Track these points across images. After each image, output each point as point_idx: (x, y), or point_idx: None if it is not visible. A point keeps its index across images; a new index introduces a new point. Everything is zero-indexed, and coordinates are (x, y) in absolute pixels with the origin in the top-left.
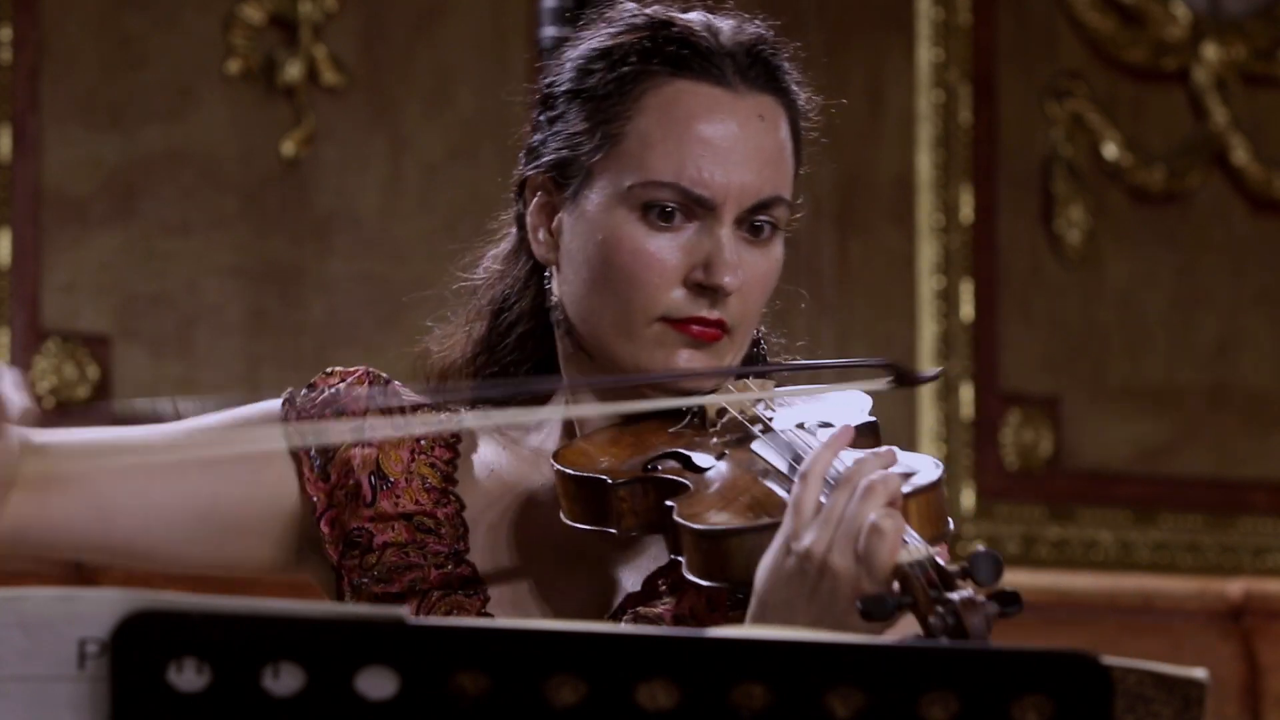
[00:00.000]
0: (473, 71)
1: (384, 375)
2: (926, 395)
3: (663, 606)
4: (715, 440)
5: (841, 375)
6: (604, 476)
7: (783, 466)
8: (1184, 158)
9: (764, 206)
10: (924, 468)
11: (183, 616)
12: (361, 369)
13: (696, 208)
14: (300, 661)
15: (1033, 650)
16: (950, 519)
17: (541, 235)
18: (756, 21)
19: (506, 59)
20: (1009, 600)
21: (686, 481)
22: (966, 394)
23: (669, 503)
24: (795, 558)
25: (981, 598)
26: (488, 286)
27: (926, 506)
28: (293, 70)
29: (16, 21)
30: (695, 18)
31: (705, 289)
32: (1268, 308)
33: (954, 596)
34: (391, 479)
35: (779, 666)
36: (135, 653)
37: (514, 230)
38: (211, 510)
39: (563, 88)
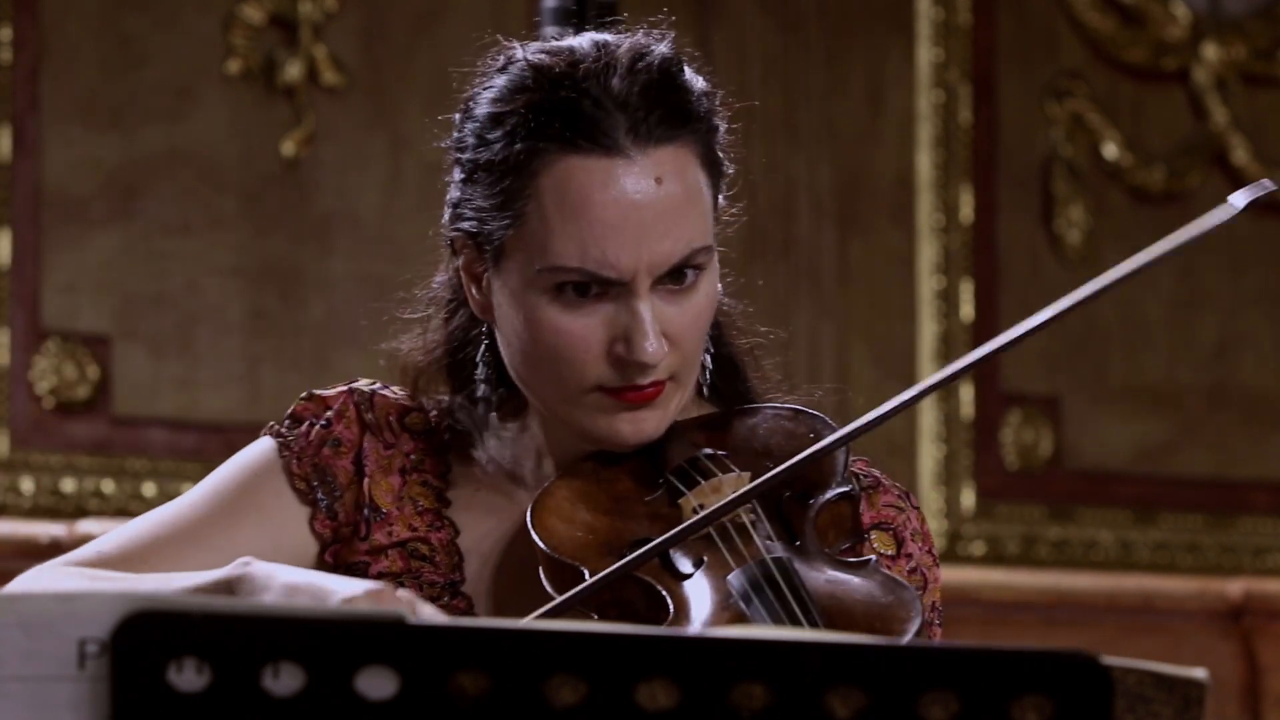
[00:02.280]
0: (473, 70)
1: (365, 390)
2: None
3: None
4: (694, 538)
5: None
6: (582, 567)
7: (745, 608)
8: (1184, 158)
9: (680, 266)
10: (905, 619)
11: (183, 616)
12: (344, 390)
13: (608, 285)
14: (300, 661)
15: (1033, 650)
16: None
17: (475, 293)
18: (655, 47)
19: None
20: None
21: (666, 595)
22: (966, 394)
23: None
24: None
25: None
26: (442, 309)
27: None
28: (293, 70)
29: (16, 21)
30: (584, 67)
31: (629, 363)
32: (1268, 308)
33: None
34: (384, 510)
35: (779, 666)
36: (135, 653)
37: (452, 267)
38: None
39: (468, 153)
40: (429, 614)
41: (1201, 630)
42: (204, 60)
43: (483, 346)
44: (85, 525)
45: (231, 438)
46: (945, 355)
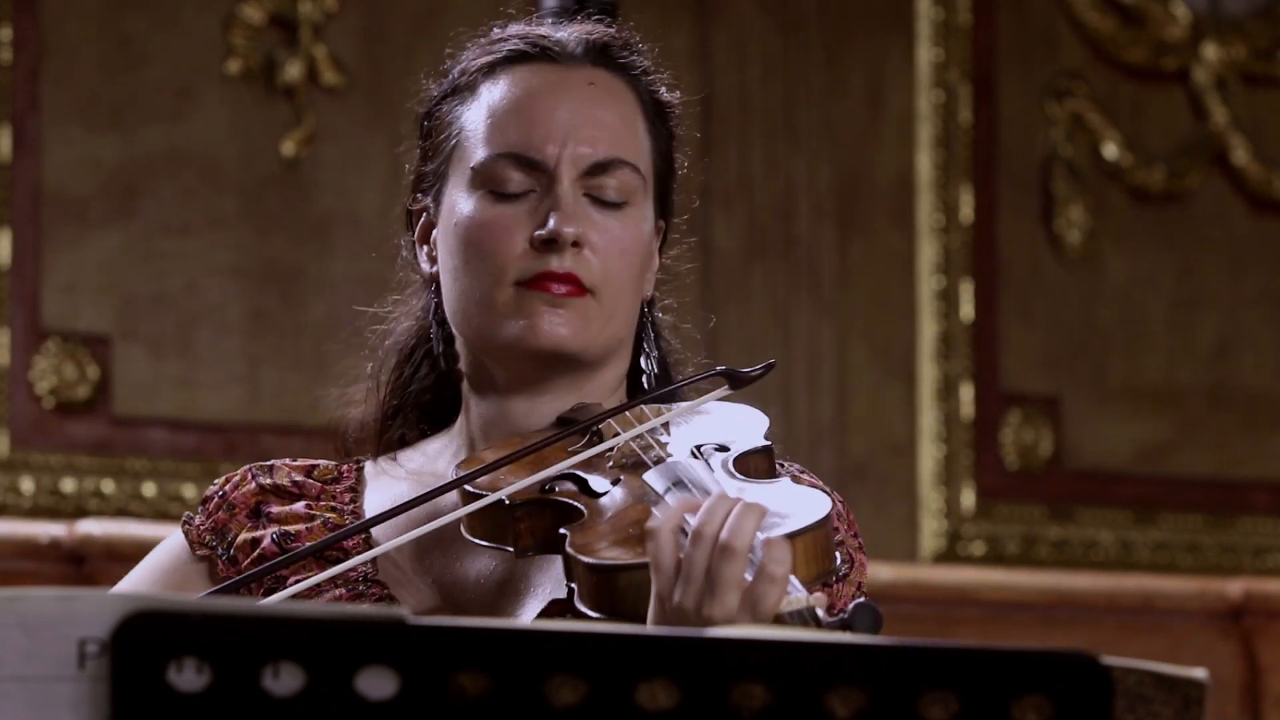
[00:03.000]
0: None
1: (265, 464)
2: (926, 395)
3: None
4: (611, 464)
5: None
6: (502, 497)
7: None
8: (1184, 158)
9: (603, 168)
10: (804, 507)
11: (183, 616)
12: (245, 469)
13: (534, 173)
14: (300, 661)
15: (1033, 650)
16: (836, 555)
17: (424, 252)
18: (619, 30)
19: None
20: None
21: (581, 507)
22: (966, 394)
23: (562, 530)
24: (673, 612)
25: None
26: (393, 333)
27: (810, 546)
28: (293, 70)
29: (16, 21)
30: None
31: (548, 242)
32: (1268, 308)
33: None
34: (294, 532)
35: (779, 666)
36: (135, 653)
37: (413, 276)
38: None
39: (425, 121)
40: None
41: (1201, 630)
42: (204, 60)
43: (432, 306)
44: (85, 525)
45: (231, 438)
46: (945, 355)
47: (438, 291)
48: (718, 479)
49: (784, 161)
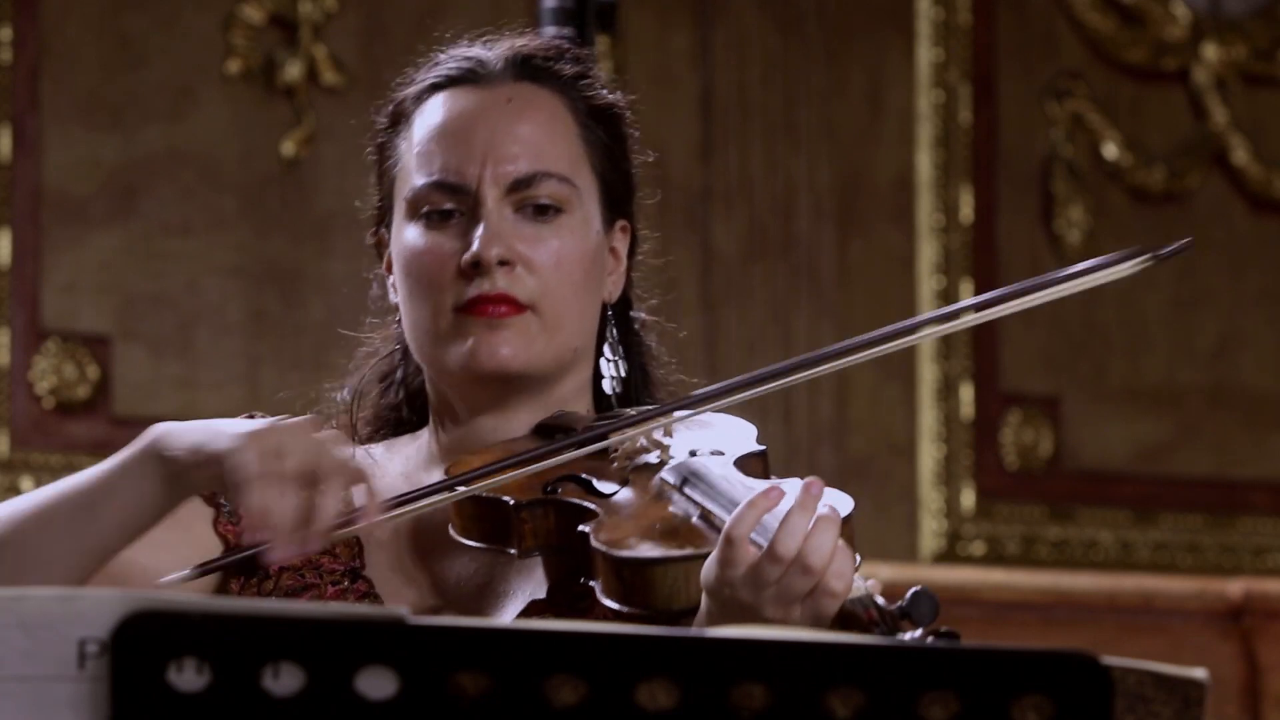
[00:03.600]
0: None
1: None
2: (926, 395)
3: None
4: (615, 465)
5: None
6: (505, 497)
7: (695, 495)
8: (1184, 158)
9: (526, 183)
10: (838, 501)
11: (183, 616)
12: None
13: (460, 197)
14: (300, 661)
15: (1033, 650)
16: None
17: (390, 281)
18: (547, 41)
19: None
20: (951, 639)
21: (593, 506)
22: (966, 394)
23: (582, 528)
24: (730, 610)
25: (930, 637)
26: (372, 356)
27: (847, 540)
28: (293, 70)
29: (16, 21)
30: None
31: (475, 265)
32: (1268, 308)
33: (901, 637)
34: None
35: (779, 666)
36: (135, 653)
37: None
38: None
39: (373, 154)
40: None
41: (1201, 630)
42: (204, 60)
43: (397, 354)
44: None
45: None
46: (945, 355)
47: (400, 322)
48: (730, 477)
49: (784, 161)
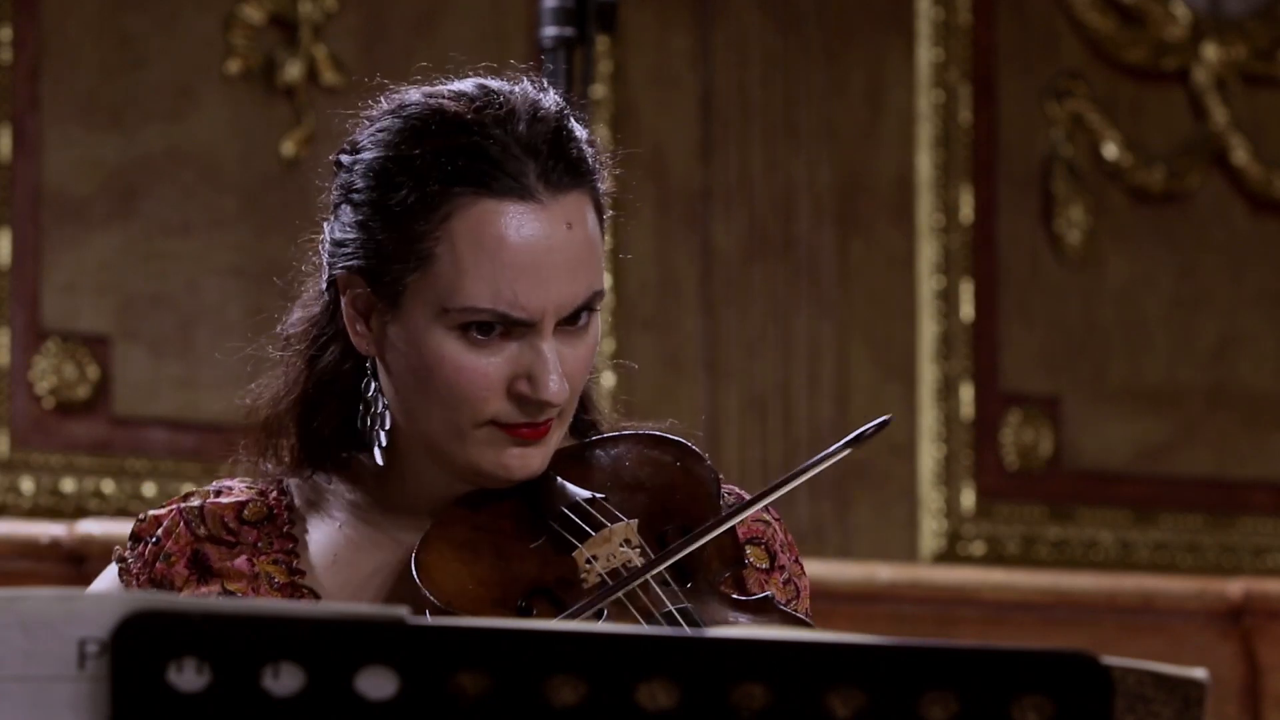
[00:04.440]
0: (473, 72)
1: (194, 505)
2: (926, 395)
3: None
4: (587, 584)
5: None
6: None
7: None
8: (1184, 158)
9: (584, 306)
10: None
11: (183, 616)
12: (174, 507)
13: (515, 326)
14: (300, 661)
15: (1033, 650)
16: None
17: (360, 329)
18: (546, 97)
19: (506, 59)
20: None
21: None
22: (966, 394)
23: None
24: None
25: None
26: (303, 353)
27: None
28: (293, 70)
29: (16, 21)
30: (486, 111)
31: (529, 401)
32: (1268, 308)
33: None
34: (236, 593)
35: (779, 666)
36: (135, 653)
37: (323, 300)
38: None
39: (362, 193)
40: None
41: (1201, 630)
42: (204, 60)
43: (366, 380)
44: (85, 525)
45: (231, 438)
46: (945, 355)
47: (374, 371)
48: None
49: (784, 161)
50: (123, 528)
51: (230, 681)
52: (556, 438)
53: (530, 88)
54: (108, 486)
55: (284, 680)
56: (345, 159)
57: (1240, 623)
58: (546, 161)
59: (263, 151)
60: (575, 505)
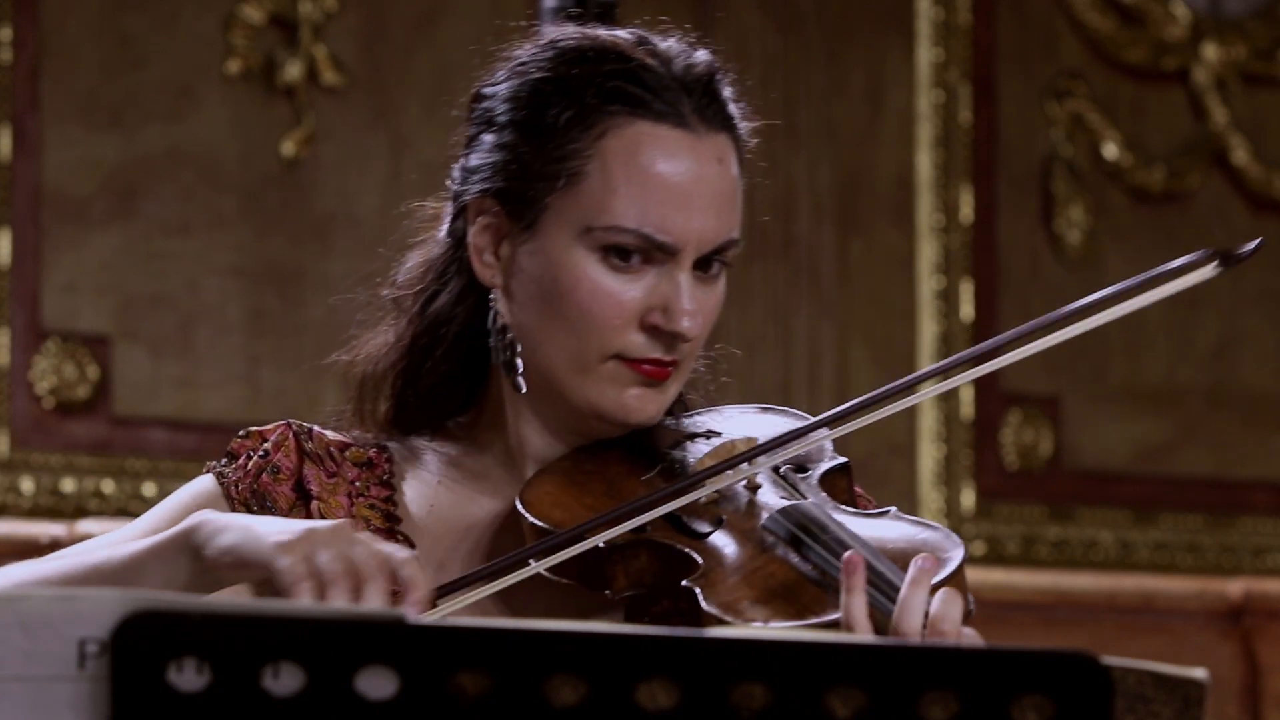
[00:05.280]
0: (473, 71)
1: (304, 424)
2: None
3: None
4: (705, 501)
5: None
6: (595, 540)
7: (795, 542)
8: (1184, 158)
9: (721, 249)
10: (939, 547)
11: (183, 616)
12: (281, 423)
13: (657, 253)
14: (300, 661)
15: (1033, 650)
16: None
17: (487, 258)
18: (699, 48)
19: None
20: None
21: (692, 553)
22: (966, 394)
23: (686, 583)
24: None
25: None
26: (417, 296)
27: (958, 588)
28: (293, 70)
29: (16, 21)
30: (643, 47)
31: (662, 332)
32: (1268, 308)
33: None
34: None
35: (779, 666)
36: (135, 653)
37: (445, 239)
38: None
39: (508, 114)
40: (395, 554)
41: (1201, 630)
42: (204, 60)
43: (493, 314)
44: (85, 525)
45: (232, 438)
46: (945, 355)
47: (497, 298)
48: (838, 521)
49: (784, 161)
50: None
51: (230, 681)
52: (674, 390)
53: (682, 42)
54: (108, 486)
55: (284, 680)
56: (486, 90)
57: (1240, 623)
58: (700, 99)
59: (263, 151)
60: (690, 437)
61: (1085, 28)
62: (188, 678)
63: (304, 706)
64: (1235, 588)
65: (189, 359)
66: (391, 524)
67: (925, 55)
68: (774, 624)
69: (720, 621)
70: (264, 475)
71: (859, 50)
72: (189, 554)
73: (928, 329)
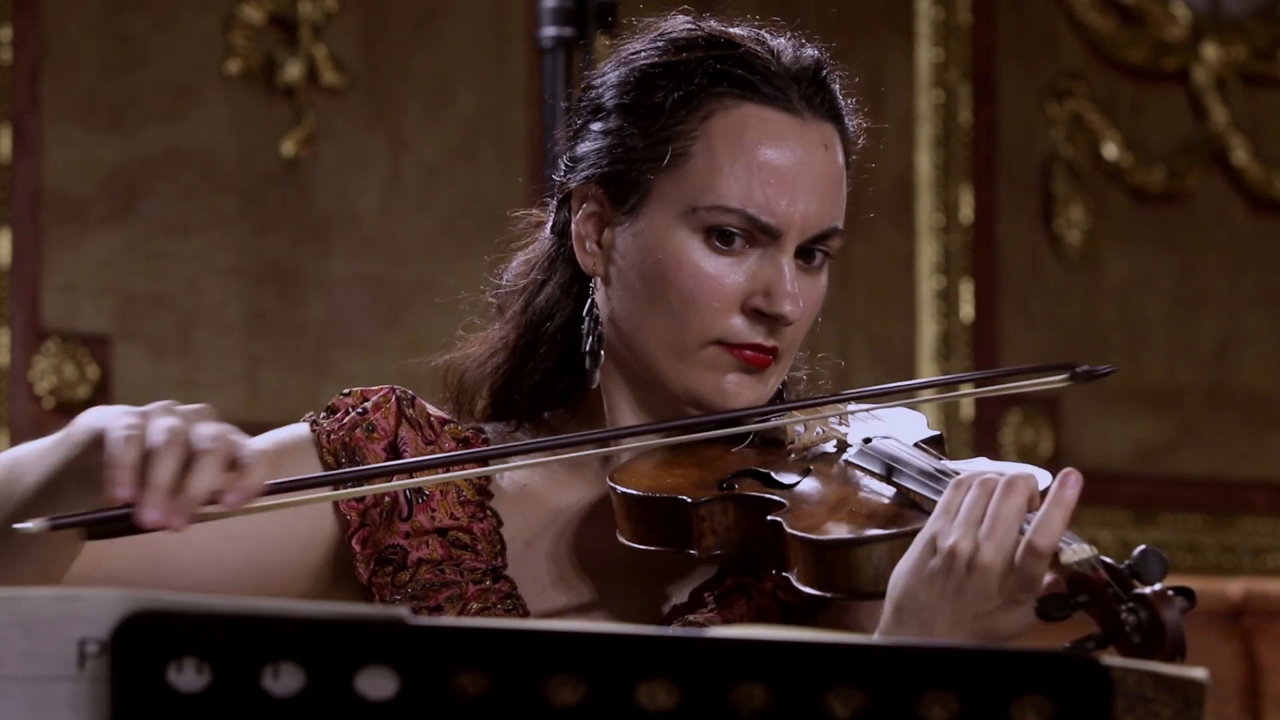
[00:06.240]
0: (473, 71)
1: (410, 393)
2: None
3: (707, 614)
4: (792, 458)
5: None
6: (683, 496)
7: (883, 473)
8: (1184, 158)
9: (824, 237)
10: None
11: (183, 616)
12: (388, 387)
13: (760, 235)
14: (300, 661)
15: (1033, 650)
16: None
17: (589, 246)
18: (810, 45)
19: (506, 59)
20: (1187, 595)
21: (778, 499)
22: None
23: (772, 517)
24: (941, 557)
25: (1170, 591)
26: (520, 293)
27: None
28: (293, 70)
29: (16, 21)
30: (752, 37)
31: (764, 316)
32: (1268, 308)
33: (1143, 591)
34: (427, 491)
35: (779, 666)
36: (135, 653)
37: (549, 235)
38: (256, 550)
39: (615, 100)
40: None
41: (1201, 630)
42: (204, 60)
43: (589, 303)
44: None
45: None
46: (945, 355)
47: (596, 287)
48: (921, 456)
49: None
50: None
51: (230, 681)
52: (774, 381)
53: (792, 40)
54: None
55: (284, 680)
56: (595, 80)
57: (1240, 623)
58: (808, 87)
59: (263, 151)
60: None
61: (1085, 28)
62: (188, 678)
63: (304, 706)
64: (1235, 588)
65: (189, 359)
66: (483, 497)
67: (925, 55)
68: (857, 534)
69: (803, 542)
70: (358, 430)
71: (859, 50)
72: (70, 442)
73: (928, 329)
